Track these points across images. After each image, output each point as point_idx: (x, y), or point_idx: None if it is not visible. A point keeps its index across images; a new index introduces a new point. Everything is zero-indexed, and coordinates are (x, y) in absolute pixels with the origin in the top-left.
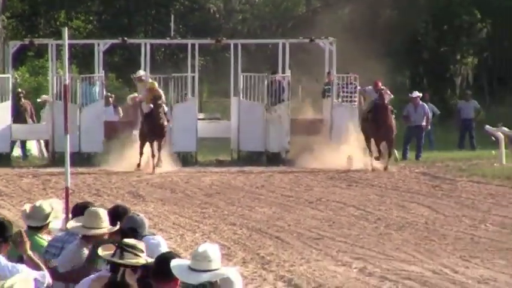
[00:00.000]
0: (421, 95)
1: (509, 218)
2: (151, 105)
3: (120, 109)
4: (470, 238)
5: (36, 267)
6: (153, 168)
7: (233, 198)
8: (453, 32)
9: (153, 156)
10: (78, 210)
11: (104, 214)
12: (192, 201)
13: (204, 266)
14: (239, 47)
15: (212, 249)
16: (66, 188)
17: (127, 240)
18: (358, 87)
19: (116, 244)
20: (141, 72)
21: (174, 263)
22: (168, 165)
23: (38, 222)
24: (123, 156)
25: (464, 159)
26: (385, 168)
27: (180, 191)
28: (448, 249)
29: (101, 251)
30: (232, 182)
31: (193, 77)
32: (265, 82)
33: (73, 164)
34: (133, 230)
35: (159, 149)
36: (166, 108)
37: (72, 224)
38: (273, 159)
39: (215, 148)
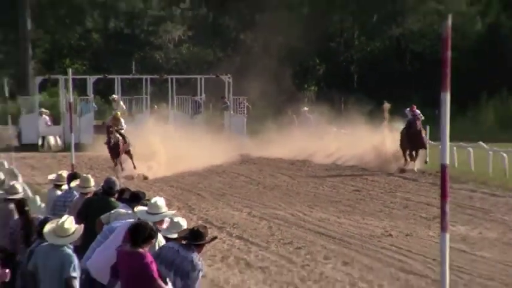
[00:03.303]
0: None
1: (340, 182)
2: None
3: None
4: (313, 194)
5: None
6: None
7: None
8: None
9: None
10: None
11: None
12: None
13: (155, 210)
14: None
15: (160, 200)
16: (72, 164)
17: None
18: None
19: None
20: (114, 96)
21: (137, 209)
22: None
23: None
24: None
25: None
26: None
27: None
28: (299, 201)
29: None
30: None
31: None
32: None
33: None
34: (111, 188)
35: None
36: (117, 136)
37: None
38: None
39: None
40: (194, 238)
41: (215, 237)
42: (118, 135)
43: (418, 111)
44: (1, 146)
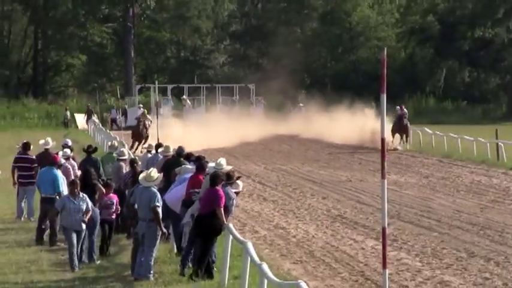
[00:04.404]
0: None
1: (320, 148)
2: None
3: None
4: (304, 156)
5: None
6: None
7: None
8: None
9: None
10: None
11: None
12: None
13: (220, 166)
14: None
15: (223, 160)
16: (158, 138)
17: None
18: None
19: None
20: (184, 97)
21: (208, 165)
22: None
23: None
24: None
25: None
26: (398, 148)
27: None
28: (295, 160)
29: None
30: None
31: None
32: None
33: None
34: (181, 152)
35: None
36: (147, 123)
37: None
38: None
39: None
40: (227, 178)
41: (239, 177)
42: (143, 126)
43: (405, 110)
44: (115, 127)
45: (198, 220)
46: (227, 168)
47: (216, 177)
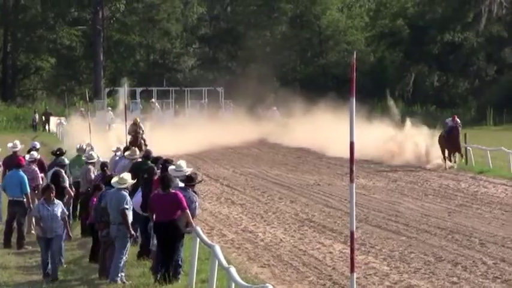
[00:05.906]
0: None
1: (287, 152)
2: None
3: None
4: (272, 160)
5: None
6: None
7: None
8: None
9: None
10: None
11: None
12: None
13: (180, 168)
14: None
15: (183, 162)
16: (126, 141)
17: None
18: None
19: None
20: (153, 100)
21: (169, 168)
22: None
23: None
24: None
25: None
26: (452, 167)
27: None
28: (263, 164)
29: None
30: None
31: None
32: None
33: None
34: (148, 156)
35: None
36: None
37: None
38: None
39: None
40: (188, 181)
41: (202, 180)
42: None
43: (458, 120)
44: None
45: (156, 228)
46: (187, 170)
47: (168, 180)
